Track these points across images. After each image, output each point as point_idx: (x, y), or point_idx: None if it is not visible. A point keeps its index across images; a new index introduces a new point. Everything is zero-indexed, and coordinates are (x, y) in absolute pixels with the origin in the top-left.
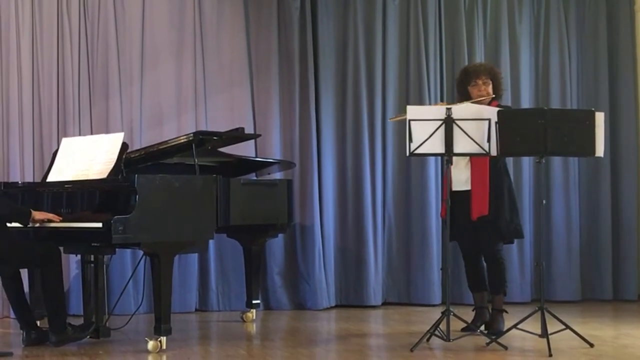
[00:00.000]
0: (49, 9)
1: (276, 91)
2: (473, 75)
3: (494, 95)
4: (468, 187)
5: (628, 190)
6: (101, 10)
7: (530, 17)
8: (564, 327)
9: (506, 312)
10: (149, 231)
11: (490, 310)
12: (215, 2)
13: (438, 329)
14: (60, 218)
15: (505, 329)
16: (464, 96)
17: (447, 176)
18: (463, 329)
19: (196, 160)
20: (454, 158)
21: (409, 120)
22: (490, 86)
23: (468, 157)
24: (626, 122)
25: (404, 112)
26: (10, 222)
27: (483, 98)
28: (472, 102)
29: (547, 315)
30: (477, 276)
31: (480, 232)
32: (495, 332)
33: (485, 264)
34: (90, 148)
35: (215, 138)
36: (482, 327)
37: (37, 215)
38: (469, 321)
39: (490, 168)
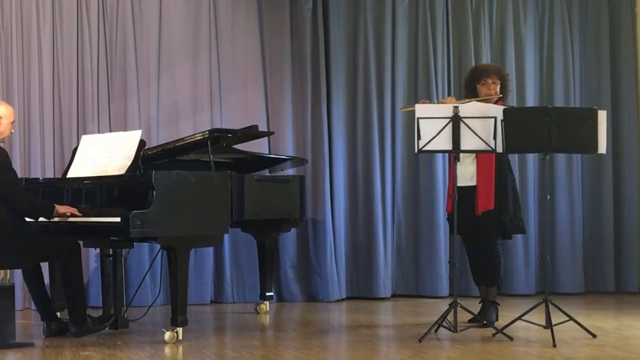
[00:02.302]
0: (69, 10)
1: (289, 90)
2: (483, 74)
3: (501, 95)
4: (473, 183)
5: (629, 186)
6: (119, 11)
7: (535, 18)
8: (567, 318)
9: (498, 304)
10: (165, 226)
11: (482, 301)
12: (230, 4)
13: (445, 320)
14: (81, 214)
15: (496, 319)
16: (472, 93)
17: (452, 172)
18: (470, 321)
19: (211, 157)
20: (460, 154)
21: (418, 118)
22: (499, 86)
23: (474, 154)
24: (627, 120)
25: (414, 104)
26: (35, 217)
27: (491, 97)
28: (479, 100)
29: (551, 307)
30: (481, 269)
31: (482, 226)
32: (487, 322)
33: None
34: (108, 145)
35: (230, 135)
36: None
37: (61, 209)
38: (476, 313)
39: (494, 164)
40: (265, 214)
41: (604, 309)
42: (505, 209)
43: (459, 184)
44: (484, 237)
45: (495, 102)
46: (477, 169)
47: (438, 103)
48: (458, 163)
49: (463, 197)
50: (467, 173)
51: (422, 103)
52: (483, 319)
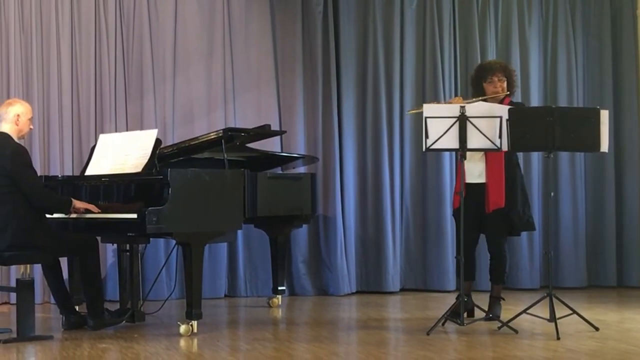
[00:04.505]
0: (87, 13)
1: (300, 90)
2: (489, 72)
3: (508, 92)
4: (482, 180)
5: (631, 183)
6: (136, 14)
7: (539, 20)
8: (571, 312)
9: (503, 299)
10: (180, 222)
11: (489, 298)
12: (243, 7)
13: (453, 313)
14: (99, 210)
15: (501, 313)
16: (479, 92)
17: (460, 170)
18: (450, 315)
19: (225, 155)
20: (468, 152)
21: (425, 118)
22: (505, 83)
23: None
24: (629, 119)
25: (421, 106)
26: (53, 212)
27: (498, 95)
28: (488, 98)
29: (555, 300)
30: (470, 266)
31: (489, 224)
32: (493, 315)
33: (489, 254)
34: (125, 143)
35: (243, 134)
36: (465, 315)
37: (78, 204)
38: (481, 305)
39: (504, 162)
40: (277, 211)
41: (607, 302)
42: (515, 207)
43: (467, 180)
44: (492, 236)
45: (503, 99)
46: (486, 166)
47: (446, 103)
48: (467, 160)
49: (470, 193)
50: (475, 170)
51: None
52: (489, 313)
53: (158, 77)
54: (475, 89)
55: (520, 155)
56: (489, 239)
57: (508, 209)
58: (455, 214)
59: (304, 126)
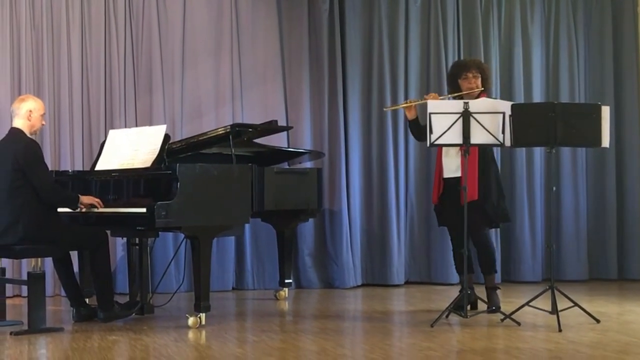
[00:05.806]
0: (97, 10)
1: (307, 86)
2: (463, 69)
3: (482, 88)
4: (458, 174)
5: (632, 177)
6: (145, 12)
7: (542, 18)
8: (572, 304)
9: (499, 288)
10: (189, 216)
11: (485, 289)
12: (251, 5)
13: (456, 306)
14: (102, 205)
15: (500, 303)
16: (454, 88)
17: (439, 165)
18: (454, 308)
19: (233, 150)
20: (445, 148)
21: (430, 114)
22: (480, 79)
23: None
24: (630, 115)
25: (399, 103)
26: (60, 207)
27: (472, 91)
28: (463, 94)
29: (556, 293)
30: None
31: (468, 216)
32: (494, 307)
33: (475, 247)
34: (135, 139)
35: (250, 130)
36: (468, 307)
37: (85, 199)
38: (484, 299)
39: (478, 156)
40: (284, 205)
41: (607, 295)
42: (488, 199)
43: (445, 175)
44: (473, 228)
45: (478, 95)
46: (460, 160)
47: (421, 100)
48: (444, 155)
49: (449, 188)
50: (452, 165)
51: (407, 103)
52: (491, 306)
53: (167, 74)
54: (451, 86)
55: (522, 150)
56: (470, 231)
57: (483, 201)
58: (436, 209)
59: (310, 122)
